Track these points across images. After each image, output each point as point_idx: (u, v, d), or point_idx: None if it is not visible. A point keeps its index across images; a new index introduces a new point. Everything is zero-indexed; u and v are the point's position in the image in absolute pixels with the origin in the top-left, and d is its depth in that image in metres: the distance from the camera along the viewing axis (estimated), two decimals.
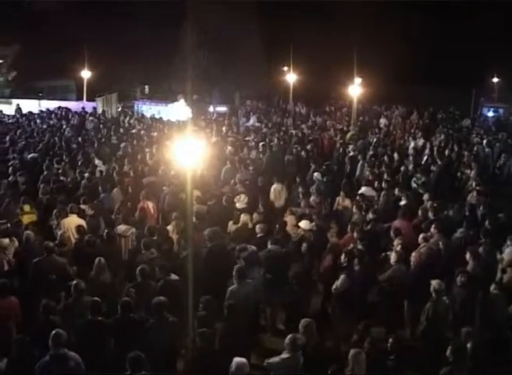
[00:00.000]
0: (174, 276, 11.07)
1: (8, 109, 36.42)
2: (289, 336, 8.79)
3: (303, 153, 21.69)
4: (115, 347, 9.57)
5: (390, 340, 9.00)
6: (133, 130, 26.93)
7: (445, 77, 39.99)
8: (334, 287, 11.25)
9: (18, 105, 35.67)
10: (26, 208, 14.51)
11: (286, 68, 44.39)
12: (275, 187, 17.30)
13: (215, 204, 15.43)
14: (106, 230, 13.34)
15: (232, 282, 10.84)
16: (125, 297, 10.21)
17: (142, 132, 26.47)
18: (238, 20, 38.74)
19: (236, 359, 8.24)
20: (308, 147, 22.61)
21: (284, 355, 8.72)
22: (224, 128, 28.79)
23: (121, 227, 13.63)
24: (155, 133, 26.20)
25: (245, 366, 8.21)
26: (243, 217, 14.02)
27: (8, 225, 13.10)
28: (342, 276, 11.19)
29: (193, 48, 40.23)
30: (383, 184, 16.79)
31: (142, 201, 15.11)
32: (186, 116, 35.36)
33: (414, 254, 12.05)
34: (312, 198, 15.79)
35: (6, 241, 12.47)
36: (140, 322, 9.65)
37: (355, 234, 12.84)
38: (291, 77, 41.12)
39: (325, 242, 13.12)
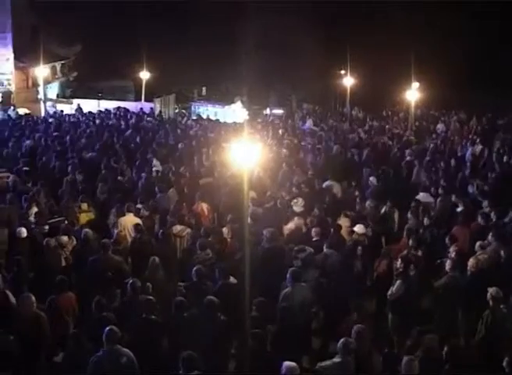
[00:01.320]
0: (233, 280, 11.12)
1: (69, 109, 37.11)
2: (342, 340, 8.74)
3: (357, 157, 21.58)
4: (169, 346, 9.66)
5: (445, 348, 8.87)
6: (190, 131, 27.10)
7: (505, 82, 39.29)
8: (389, 292, 11.16)
9: (79, 104, 36.29)
10: (84, 206, 14.76)
11: (343, 71, 44.18)
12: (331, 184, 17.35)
13: (270, 206, 15.44)
14: (161, 230, 13.49)
15: (286, 284, 10.84)
16: (178, 296, 10.29)
17: (199, 133, 26.63)
18: (295, 23, 38.69)
19: (287, 363, 8.22)
20: (364, 151, 22.46)
21: (336, 359, 8.67)
22: (280, 131, 28.78)
23: (176, 227, 13.76)
24: (212, 135, 26.34)
25: (295, 369, 8.19)
26: (298, 221, 13.99)
27: (66, 222, 13.39)
28: (398, 282, 11.09)
29: (250, 49, 40.34)
30: (440, 190, 16.58)
31: (197, 203, 15.19)
32: (243, 118, 35.49)
33: (470, 261, 11.86)
34: (367, 203, 15.69)
35: (65, 238, 12.72)
36: (192, 321, 9.71)
37: (411, 240, 12.72)
38: (348, 81, 40.91)
39: (380, 247, 13.03)
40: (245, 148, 14.71)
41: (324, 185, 17.38)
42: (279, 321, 9.72)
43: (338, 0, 41.66)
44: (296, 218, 14.13)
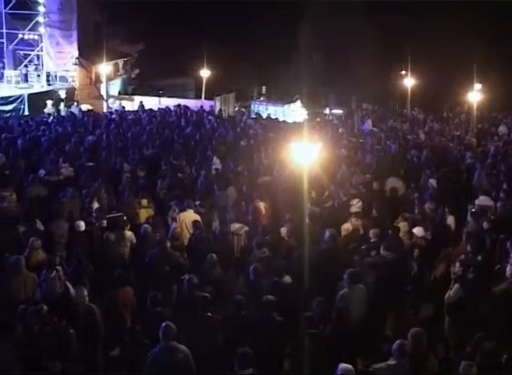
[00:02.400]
0: (287, 279, 11.13)
1: (130, 106, 37.63)
2: (397, 342, 8.67)
3: (416, 158, 21.36)
4: (224, 343, 9.71)
5: (505, 356, 8.72)
6: (250, 130, 27.19)
7: None
8: (447, 295, 11.03)
9: (141, 101, 36.75)
10: (144, 202, 14.93)
11: (403, 71, 43.75)
12: (393, 180, 17.24)
13: (328, 206, 15.41)
14: (219, 227, 13.57)
15: (344, 285, 10.81)
16: (237, 294, 10.34)
17: (258, 132, 26.70)
18: (356, 22, 38.48)
19: (342, 365, 8.19)
20: (424, 152, 22.21)
21: (391, 362, 8.60)
22: (339, 131, 28.67)
23: (234, 225, 13.84)
24: (271, 134, 26.38)
25: (350, 371, 8.15)
26: (355, 222, 13.93)
27: (125, 218, 13.60)
28: (456, 286, 10.94)
29: (311, 49, 40.30)
30: (501, 194, 16.29)
31: (255, 201, 15.24)
32: (302, 118, 35.47)
33: None
34: (427, 205, 15.51)
35: (129, 233, 12.93)
36: (248, 320, 9.76)
37: (470, 244, 12.54)
38: (409, 81, 40.52)
39: (438, 250, 12.88)
40: (304, 147, 14.79)
41: (387, 182, 17.27)
42: (334, 322, 9.68)
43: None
44: (353, 219, 14.06)
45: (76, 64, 37.72)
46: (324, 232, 12.67)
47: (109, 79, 41.36)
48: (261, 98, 45.18)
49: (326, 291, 10.91)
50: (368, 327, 11.18)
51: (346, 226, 13.92)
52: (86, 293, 10.06)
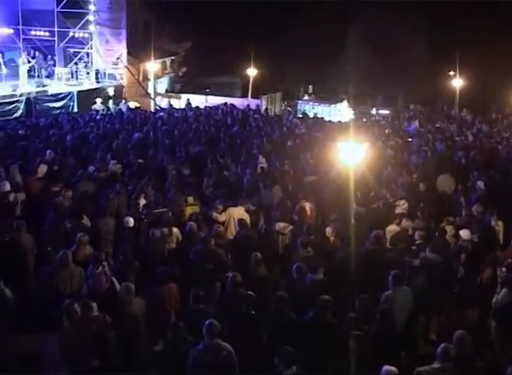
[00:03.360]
0: (319, 276, 11.08)
1: (177, 104, 37.90)
2: (442, 345, 8.57)
3: (463, 160, 21.10)
4: (267, 341, 9.71)
5: None
6: (296, 129, 27.16)
7: None
8: (494, 300, 10.88)
9: (188, 99, 36.98)
10: (190, 199, 14.99)
11: (451, 72, 43.30)
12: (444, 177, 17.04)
13: (374, 207, 15.32)
14: (265, 226, 13.58)
15: (388, 287, 10.73)
16: (279, 292, 10.32)
17: (304, 131, 26.66)
18: (403, 23, 38.20)
19: (386, 367, 8.13)
20: (472, 154, 21.94)
21: (435, 365, 8.50)
22: (386, 131, 28.49)
23: (279, 224, 13.83)
24: (317, 133, 26.32)
25: (394, 373, 8.09)
26: (405, 223, 13.80)
27: (171, 214, 13.70)
28: (503, 290, 10.78)
29: (358, 49, 40.12)
30: None
31: (301, 201, 15.20)
32: (349, 118, 35.35)
33: None
34: (474, 207, 15.31)
35: (171, 230, 13.01)
36: (292, 319, 9.74)
37: None
38: (457, 82, 40.07)
39: (485, 254, 12.70)
40: (350, 147, 14.73)
41: (438, 179, 17.10)
42: (378, 323, 9.61)
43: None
44: (404, 220, 13.93)
45: (116, 64, 38.05)
46: (369, 233, 12.60)
47: (157, 77, 41.72)
48: (308, 98, 45.12)
49: (370, 292, 10.85)
50: (412, 330, 11.10)
51: (391, 228, 13.80)
52: (132, 288, 10.14)
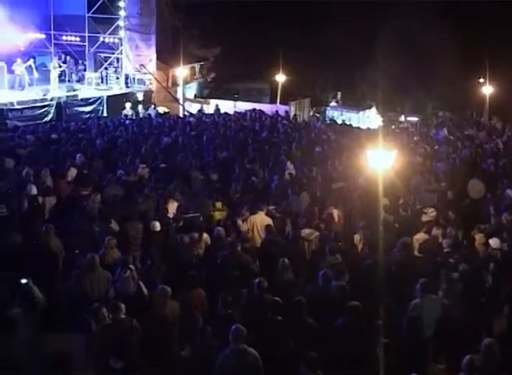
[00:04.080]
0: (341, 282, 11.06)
1: (206, 109, 38.04)
2: (467, 357, 8.49)
3: (493, 168, 20.92)
4: (293, 347, 9.68)
5: None
6: (324, 136, 27.12)
7: None
8: None
9: (217, 105, 37.09)
10: (218, 205, 15.04)
11: (481, 79, 42.96)
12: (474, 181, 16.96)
13: (402, 214, 15.24)
14: (292, 232, 13.57)
15: (416, 295, 10.65)
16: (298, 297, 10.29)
17: (332, 137, 26.62)
18: (433, 28, 38.01)
19: None
20: (501, 162, 21.75)
21: None
22: (414, 138, 28.35)
23: (305, 230, 13.80)
24: (345, 140, 26.27)
25: None
26: (434, 231, 13.71)
27: (201, 219, 13.74)
28: None
29: (387, 56, 39.96)
30: None
31: (329, 208, 15.16)
32: (377, 124, 35.26)
33: None
34: (504, 216, 15.15)
35: (205, 235, 13.05)
36: (312, 325, 9.72)
37: None
38: (487, 89, 39.73)
39: None
40: (379, 154, 14.68)
41: (469, 184, 17.00)
42: (406, 332, 9.56)
43: (476, 4, 40.49)
44: (433, 228, 13.83)
45: (138, 71, 38.27)
46: (397, 240, 12.54)
47: (186, 82, 41.91)
48: (337, 104, 45.06)
49: (398, 300, 10.79)
50: (440, 339, 11.01)
51: (419, 236, 13.70)
52: (169, 292, 10.19)
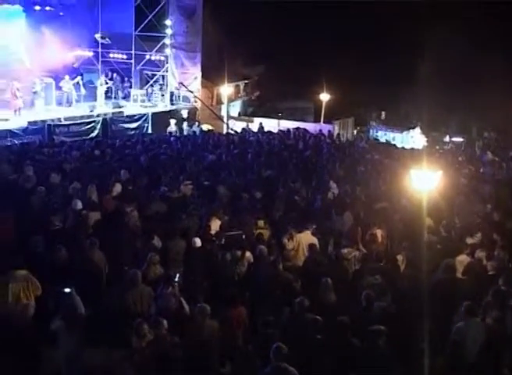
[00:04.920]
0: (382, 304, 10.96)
1: (250, 127, 38.18)
2: None
3: None
4: (331, 366, 9.63)
5: None
6: (368, 155, 27.02)
7: None
8: None
9: (261, 123, 37.20)
10: (260, 223, 15.04)
11: None
12: None
13: (445, 236, 15.07)
14: (335, 252, 13.52)
15: (459, 318, 10.51)
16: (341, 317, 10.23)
17: (376, 157, 26.51)
18: (478, 46, 37.72)
19: None
20: None
21: None
22: (459, 159, 28.09)
23: (344, 250, 13.76)
24: (389, 159, 26.13)
25: None
26: (479, 253, 13.52)
27: (244, 237, 13.76)
28: None
29: (431, 75, 39.71)
30: None
31: (372, 227, 15.08)
32: (421, 144, 35.02)
33: None
34: None
35: (248, 253, 13.05)
36: (355, 346, 9.65)
37: None
38: None
39: None
40: (423, 174, 14.57)
41: None
42: (449, 355, 9.43)
43: None
44: (477, 250, 13.65)
45: (177, 89, 38.56)
46: (441, 262, 12.40)
47: (230, 100, 42.16)
48: (380, 124, 44.89)
49: (441, 322, 10.67)
50: (484, 363, 10.84)
51: (462, 258, 13.51)
52: (208, 310, 10.22)
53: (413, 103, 41.84)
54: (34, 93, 31.78)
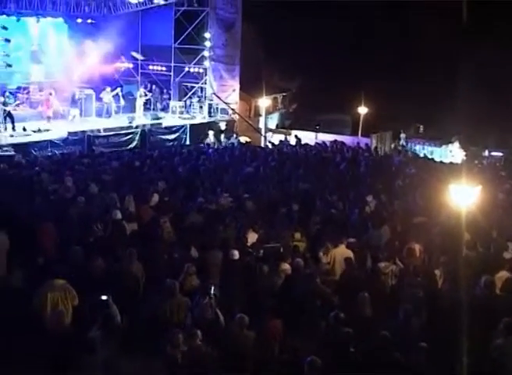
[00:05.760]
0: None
1: (288, 140, 38.21)
2: None
3: None
4: None
5: None
6: (406, 169, 26.85)
7: None
8: None
9: (296, 135, 37.21)
10: (297, 235, 15.04)
11: None
12: None
13: (484, 251, 14.91)
14: (371, 266, 13.45)
15: (499, 335, 10.37)
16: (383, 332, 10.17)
17: (414, 171, 26.32)
18: None
19: None
20: None
21: None
22: (500, 174, 27.79)
23: (381, 264, 13.68)
24: (427, 174, 25.91)
25: None
26: None
27: (282, 250, 13.76)
28: None
29: (470, 89, 39.39)
30: None
31: (410, 242, 14.96)
32: (460, 159, 34.71)
33: None
34: None
35: (285, 265, 13.05)
36: (398, 361, 9.58)
37: None
38: None
39: None
40: (462, 189, 14.43)
41: None
42: (488, 373, 9.32)
43: None
44: None
45: (211, 100, 38.70)
46: (479, 277, 12.26)
47: (268, 112, 42.26)
48: (418, 137, 44.60)
49: (480, 339, 10.53)
50: None
51: (502, 274, 13.33)
52: (246, 322, 10.23)
53: (451, 117, 41.45)
54: (75, 103, 32.28)
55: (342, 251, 13.94)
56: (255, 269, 13.05)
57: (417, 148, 40.33)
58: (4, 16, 30.29)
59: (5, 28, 29.81)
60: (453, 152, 39.17)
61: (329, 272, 13.45)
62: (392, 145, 40.84)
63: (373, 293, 11.82)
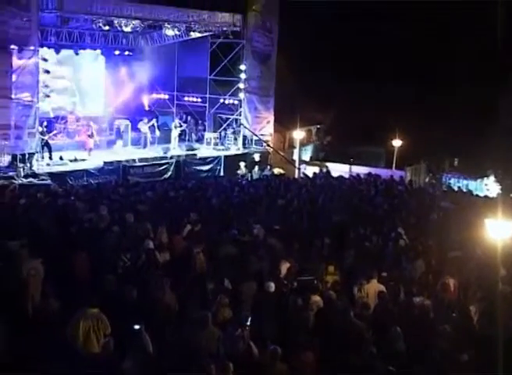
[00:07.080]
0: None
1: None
2: None
3: None
4: None
5: None
6: (441, 203, 26.62)
7: None
8: None
9: (327, 167, 37.23)
10: (331, 269, 14.99)
11: None
12: None
13: None
14: (405, 300, 13.32)
15: None
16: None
17: (449, 205, 26.10)
18: None
19: None
20: None
21: None
22: None
23: (415, 299, 13.55)
24: (462, 207, 25.68)
25: None
26: None
27: (315, 282, 13.70)
28: None
29: (504, 121, 39.14)
30: None
31: (444, 276, 14.81)
32: (496, 193, 34.38)
33: None
34: None
35: (318, 298, 12.99)
36: None
37: None
38: None
39: None
40: (497, 223, 14.29)
41: None
42: None
43: None
44: None
45: (238, 128, 38.88)
46: None
47: (302, 144, 42.32)
48: (454, 171, 44.30)
49: None
50: None
51: None
52: (279, 354, 10.18)
53: (487, 151, 41.19)
54: (119, 134, 32.84)
55: (375, 286, 13.84)
56: (289, 302, 12.98)
57: (452, 181, 39.99)
58: (45, 48, 30.84)
59: (45, 60, 30.33)
60: (488, 186, 38.78)
61: (364, 306, 13.32)
62: (427, 178, 40.55)
63: (406, 327, 11.70)
